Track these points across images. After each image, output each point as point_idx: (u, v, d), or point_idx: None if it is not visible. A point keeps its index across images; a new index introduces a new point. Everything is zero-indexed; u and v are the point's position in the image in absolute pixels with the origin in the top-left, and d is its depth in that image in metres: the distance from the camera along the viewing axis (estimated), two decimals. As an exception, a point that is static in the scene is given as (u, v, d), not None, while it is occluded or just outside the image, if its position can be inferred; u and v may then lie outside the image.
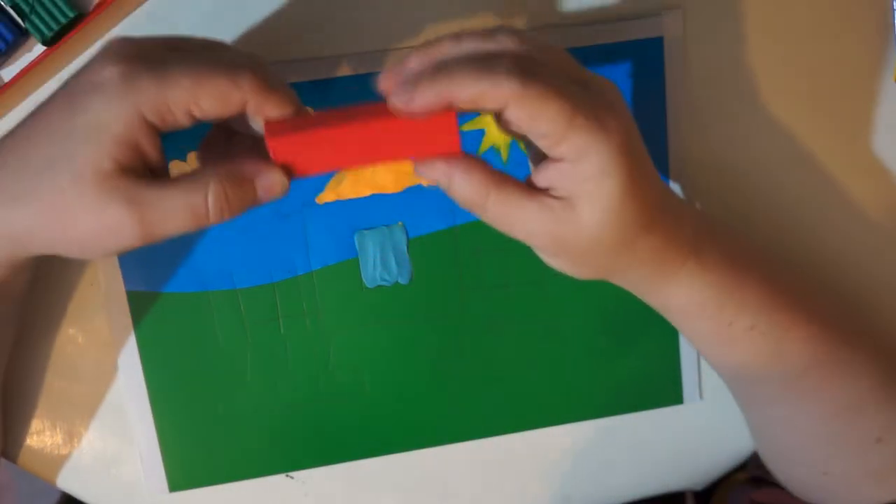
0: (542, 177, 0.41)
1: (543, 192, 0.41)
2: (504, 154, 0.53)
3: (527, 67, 0.38)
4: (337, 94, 0.51)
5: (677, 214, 0.45)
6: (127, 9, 0.50)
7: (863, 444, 0.49)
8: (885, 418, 0.49)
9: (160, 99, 0.38)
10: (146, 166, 0.40)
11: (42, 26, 0.48)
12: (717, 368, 0.52)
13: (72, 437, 0.54)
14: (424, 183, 0.53)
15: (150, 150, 0.39)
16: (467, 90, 0.38)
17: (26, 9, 0.48)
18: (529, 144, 0.43)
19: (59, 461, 0.55)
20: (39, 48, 0.49)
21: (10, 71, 0.49)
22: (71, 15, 0.48)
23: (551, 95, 0.38)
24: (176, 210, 0.39)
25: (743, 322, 0.47)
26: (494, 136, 0.53)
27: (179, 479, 0.55)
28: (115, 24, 0.50)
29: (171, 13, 0.50)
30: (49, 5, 0.48)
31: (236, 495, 0.56)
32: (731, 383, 0.52)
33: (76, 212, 0.39)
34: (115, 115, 0.38)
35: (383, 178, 0.53)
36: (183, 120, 0.39)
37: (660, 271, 0.45)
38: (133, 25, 0.50)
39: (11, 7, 0.48)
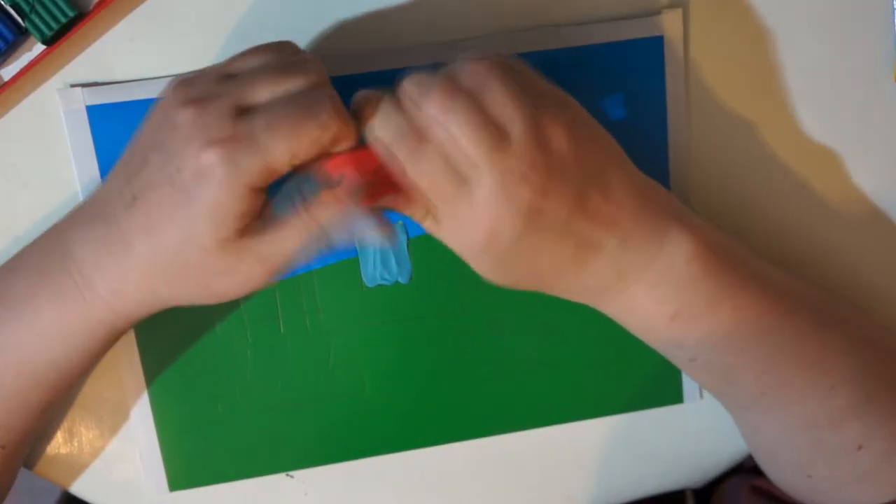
0: None
1: None
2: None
3: None
4: (339, 93, 0.51)
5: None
6: (127, 8, 0.50)
7: (843, 451, 0.48)
8: (864, 428, 0.48)
9: (265, 169, 0.40)
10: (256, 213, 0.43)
11: (42, 25, 0.48)
12: None
13: (72, 436, 0.54)
14: None
15: (259, 202, 0.42)
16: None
17: (26, 8, 0.48)
18: None
19: (59, 460, 0.55)
20: (39, 47, 0.49)
21: (10, 70, 0.49)
22: (71, 14, 0.48)
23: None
24: (287, 239, 0.42)
25: (684, 355, 0.48)
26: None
27: (179, 478, 0.55)
28: (115, 23, 0.50)
29: (171, 13, 0.50)
30: (49, 4, 0.48)
31: (236, 494, 0.56)
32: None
33: (212, 278, 0.43)
34: (227, 198, 0.40)
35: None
36: (284, 172, 0.42)
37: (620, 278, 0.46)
38: (134, 25, 0.50)
39: (11, 6, 0.48)
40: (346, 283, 0.54)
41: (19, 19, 0.48)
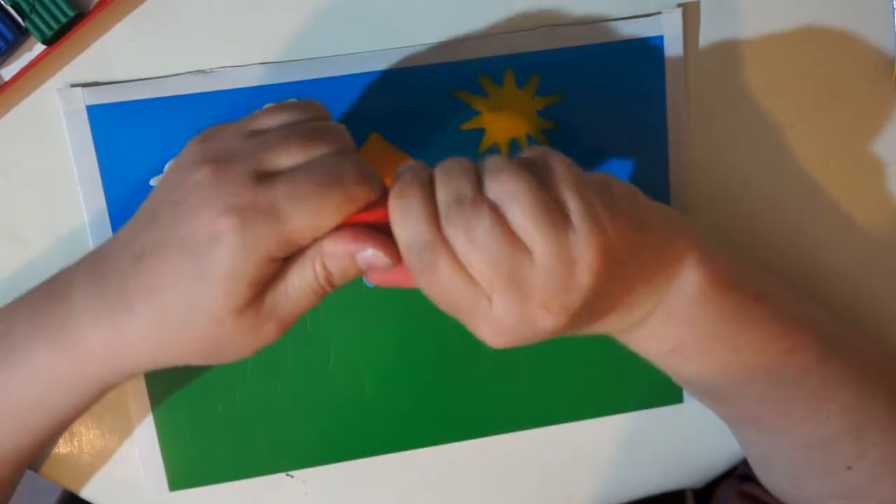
0: None
1: None
2: (504, 153, 0.53)
3: None
4: (339, 93, 0.51)
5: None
6: (127, 8, 0.50)
7: (832, 469, 0.48)
8: (856, 450, 0.48)
9: (284, 240, 0.39)
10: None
11: (42, 25, 0.48)
12: None
13: (72, 436, 0.54)
14: None
15: (275, 269, 0.40)
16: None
17: (26, 8, 0.48)
18: None
19: (59, 460, 0.55)
20: (39, 47, 0.49)
21: (10, 70, 0.49)
22: (71, 14, 0.48)
23: None
24: (298, 299, 0.41)
25: (679, 379, 0.48)
26: (494, 135, 0.53)
27: (179, 478, 0.55)
28: (115, 23, 0.50)
29: (171, 13, 0.50)
30: (49, 4, 0.48)
31: (236, 494, 0.56)
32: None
33: (218, 344, 0.41)
34: (242, 267, 0.38)
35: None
36: (306, 244, 0.40)
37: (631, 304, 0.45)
38: (134, 25, 0.50)
39: (11, 6, 0.48)
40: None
41: (19, 19, 0.48)
